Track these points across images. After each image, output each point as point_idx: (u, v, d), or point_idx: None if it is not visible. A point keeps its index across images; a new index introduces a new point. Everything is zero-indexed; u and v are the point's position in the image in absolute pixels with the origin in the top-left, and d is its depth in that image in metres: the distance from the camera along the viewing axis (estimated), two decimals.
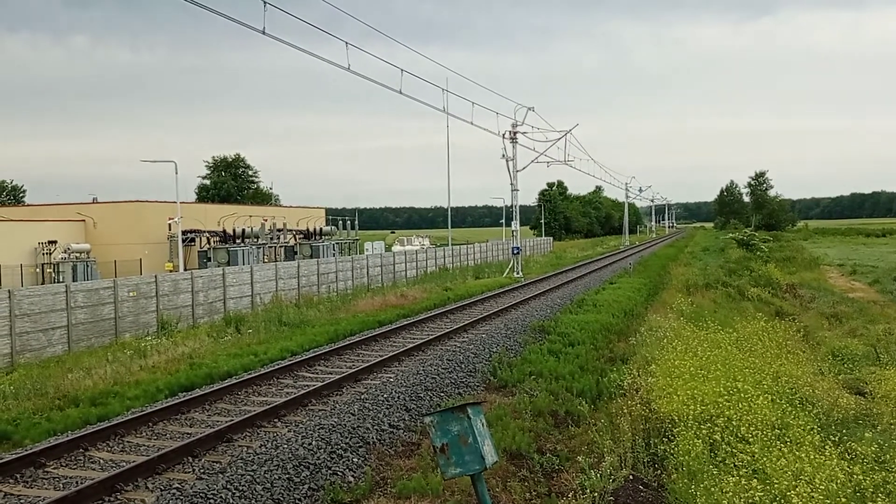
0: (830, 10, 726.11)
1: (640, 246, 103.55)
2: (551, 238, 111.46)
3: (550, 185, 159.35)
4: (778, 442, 10.22)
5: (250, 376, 16.82)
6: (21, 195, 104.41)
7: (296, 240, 62.27)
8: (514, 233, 49.68)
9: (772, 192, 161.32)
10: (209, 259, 50.57)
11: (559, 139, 51.13)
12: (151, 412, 13.76)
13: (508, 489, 10.17)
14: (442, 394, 15.70)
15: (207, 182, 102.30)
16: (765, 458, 9.44)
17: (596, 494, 9.54)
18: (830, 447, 10.08)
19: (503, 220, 72.65)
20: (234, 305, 32.06)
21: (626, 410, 12.67)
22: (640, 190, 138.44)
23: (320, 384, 15.67)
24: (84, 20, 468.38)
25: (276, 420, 13.41)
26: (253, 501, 9.89)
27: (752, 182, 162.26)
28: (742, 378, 13.06)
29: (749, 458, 9.57)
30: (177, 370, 18.24)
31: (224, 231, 54.99)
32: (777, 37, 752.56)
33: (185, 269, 39.75)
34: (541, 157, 51.38)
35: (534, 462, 11.31)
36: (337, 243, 63.11)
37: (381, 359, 18.45)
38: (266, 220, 58.90)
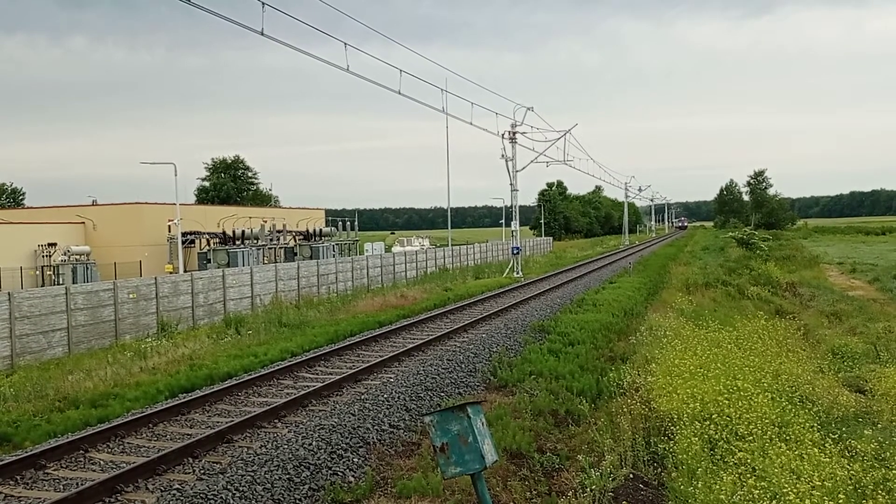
0: (831, 8, 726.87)
1: (639, 245, 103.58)
2: (551, 238, 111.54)
3: (550, 185, 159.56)
4: (777, 440, 10.23)
5: (250, 377, 16.82)
6: (21, 197, 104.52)
7: (295, 241, 62.26)
8: (514, 233, 49.69)
9: (771, 191, 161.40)
10: (209, 261, 50.56)
11: (558, 139, 51.24)
12: (151, 413, 13.76)
13: (509, 488, 10.17)
14: (442, 393, 15.70)
15: (207, 184, 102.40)
16: (762, 457, 9.45)
17: (596, 493, 9.54)
18: (830, 445, 10.10)
19: (503, 221, 72.69)
20: (234, 307, 32.06)
21: (626, 409, 12.68)
22: (640, 189, 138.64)
23: (320, 385, 15.68)
24: (81, 21, 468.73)
25: (276, 421, 13.42)
26: (253, 502, 9.89)
27: (752, 181, 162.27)
28: (742, 376, 13.08)
29: (748, 455, 9.58)
30: (177, 371, 18.24)
31: (224, 232, 55.00)
32: (777, 34, 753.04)
33: (185, 271, 39.76)
34: (540, 157, 51.46)
35: (534, 461, 11.32)
36: (337, 244, 63.10)
37: (381, 359, 18.46)
38: (266, 222, 58.90)
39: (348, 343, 21.49)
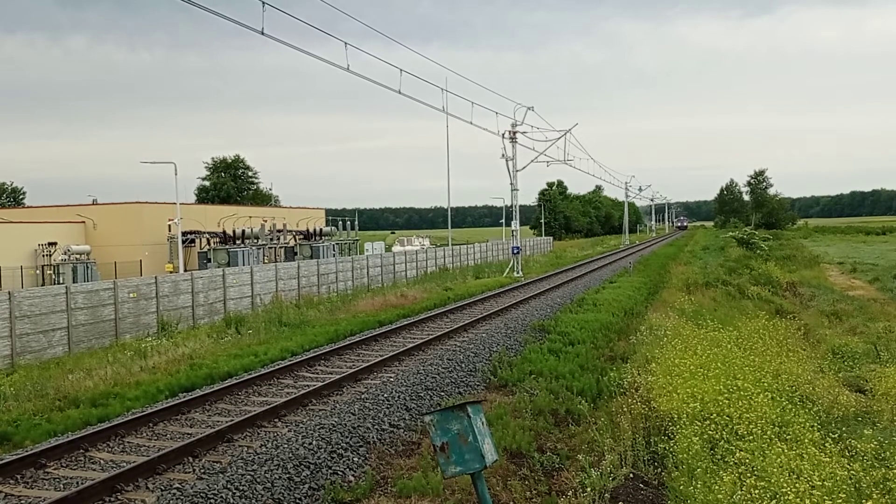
0: (831, 8, 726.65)
1: (640, 245, 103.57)
2: (551, 238, 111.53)
3: (550, 184, 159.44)
4: (777, 439, 10.23)
5: (250, 376, 16.83)
6: (21, 197, 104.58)
7: (296, 240, 62.26)
8: (514, 232, 49.69)
9: (771, 191, 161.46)
10: (209, 260, 50.57)
11: (559, 139, 51.25)
12: (152, 413, 13.77)
13: (509, 488, 10.17)
14: (442, 393, 15.71)
15: (207, 183, 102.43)
16: (762, 457, 9.45)
17: (596, 493, 9.54)
18: (830, 445, 10.10)
19: (503, 220, 72.66)
20: (234, 306, 32.06)
21: (626, 409, 12.68)
22: (640, 189, 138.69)
23: (320, 384, 15.68)
24: (81, 21, 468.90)
25: (276, 420, 13.42)
26: (253, 501, 9.90)
27: (752, 181, 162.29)
28: (742, 376, 13.09)
29: (749, 455, 9.58)
30: (177, 371, 18.24)
31: (224, 232, 55.00)
32: (777, 34, 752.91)
33: (185, 270, 39.76)
34: (540, 157, 51.48)
35: (534, 461, 11.31)
36: (337, 244, 63.10)
37: (381, 358, 18.46)
38: (266, 221, 58.90)
39: (348, 342, 21.49)
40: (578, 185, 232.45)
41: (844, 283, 44.37)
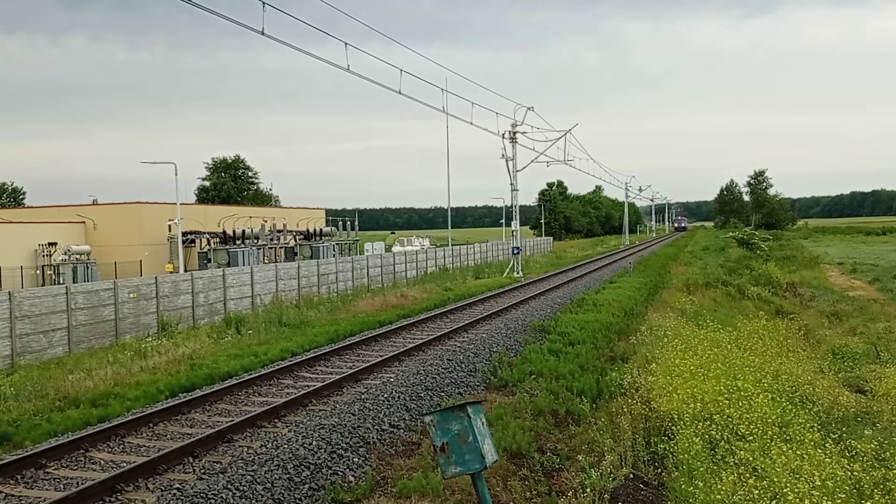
0: (831, 8, 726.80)
1: (640, 245, 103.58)
2: (551, 238, 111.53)
3: (550, 184, 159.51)
4: (778, 440, 10.23)
5: (251, 377, 16.83)
6: (21, 197, 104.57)
7: (296, 240, 62.25)
8: (514, 233, 49.69)
9: (771, 191, 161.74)
10: (209, 260, 50.57)
11: (559, 139, 51.24)
12: (152, 413, 13.77)
13: (509, 488, 10.17)
14: (442, 393, 15.71)
15: (207, 183, 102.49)
16: (763, 457, 9.45)
17: (596, 493, 9.54)
18: (830, 445, 10.10)
19: (503, 221, 72.65)
20: (234, 306, 32.06)
21: (626, 409, 12.68)
22: (640, 189, 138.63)
23: (320, 384, 15.68)
24: (81, 20, 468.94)
25: (276, 420, 13.42)
26: (253, 501, 9.89)
27: (752, 181, 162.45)
28: (742, 376, 13.09)
29: (749, 455, 9.58)
30: (177, 371, 18.24)
31: (224, 232, 54.99)
32: (777, 34, 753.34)
33: (186, 271, 39.76)
34: (540, 157, 51.47)
35: (534, 461, 11.31)
36: (337, 244, 63.10)
37: (381, 359, 18.46)
38: (266, 221, 58.89)
39: (348, 343, 21.49)
40: (578, 186, 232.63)
41: (844, 284, 44.37)
